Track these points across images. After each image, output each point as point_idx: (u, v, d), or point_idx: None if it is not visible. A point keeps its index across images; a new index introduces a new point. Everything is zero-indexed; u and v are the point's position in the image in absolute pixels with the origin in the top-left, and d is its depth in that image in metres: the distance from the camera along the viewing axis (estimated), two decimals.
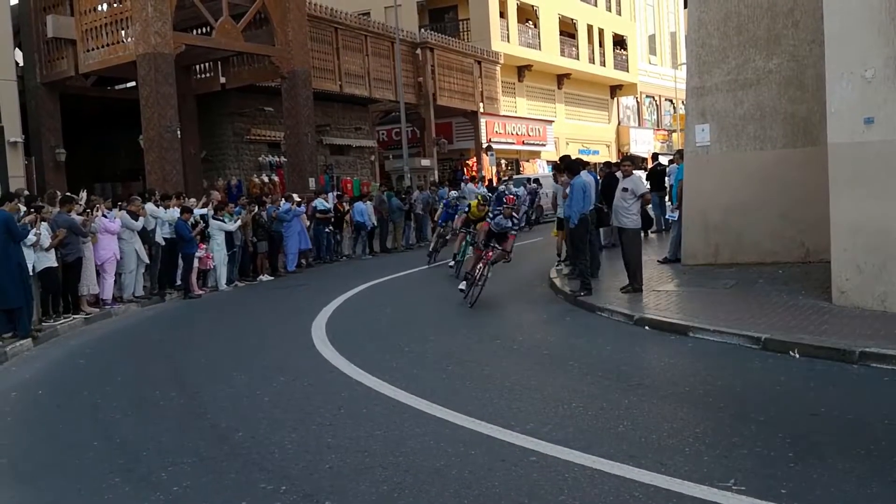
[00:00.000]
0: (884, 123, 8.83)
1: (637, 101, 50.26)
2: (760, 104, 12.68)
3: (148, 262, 13.86)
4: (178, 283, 14.60)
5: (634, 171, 12.04)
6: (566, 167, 12.46)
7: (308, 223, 18.19)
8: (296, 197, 18.28)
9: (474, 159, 34.42)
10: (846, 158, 9.13)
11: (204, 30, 22.58)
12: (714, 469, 4.74)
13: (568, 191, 11.80)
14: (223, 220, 15.21)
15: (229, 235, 15.35)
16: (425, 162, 31.11)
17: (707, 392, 6.55)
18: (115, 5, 20.41)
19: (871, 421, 5.55)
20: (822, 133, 9.84)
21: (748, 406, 6.05)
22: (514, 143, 36.87)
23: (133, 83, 21.78)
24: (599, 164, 21.78)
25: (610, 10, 46.30)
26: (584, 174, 12.15)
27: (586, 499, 4.42)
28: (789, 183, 12.26)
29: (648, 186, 16.98)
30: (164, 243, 14.07)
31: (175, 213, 14.18)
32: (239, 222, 15.52)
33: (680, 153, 15.93)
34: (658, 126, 52.05)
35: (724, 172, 12.88)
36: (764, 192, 12.50)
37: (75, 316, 12.02)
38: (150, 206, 14.02)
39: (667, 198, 18.15)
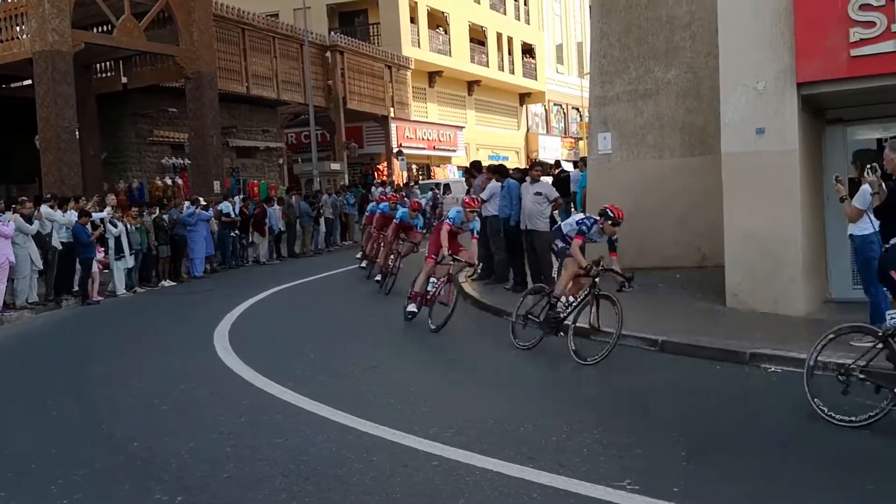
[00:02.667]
0: (774, 134, 9.22)
1: (545, 109, 51.09)
2: (659, 114, 13.08)
3: (42, 267, 13.32)
4: (76, 288, 14.10)
5: (543, 177, 12.33)
6: (496, 170, 12.91)
7: (215, 228, 17.82)
8: (202, 200, 17.90)
9: (385, 164, 34.37)
10: (739, 167, 9.50)
11: (105, 28, 21.91)
12: (610, 469, 4.85)
13: (487, 193, 12.37)
14: (113, 226, 14.71)
15: (118, 241, 14.82)
16: (335, 166, 30.89)
17: (605, 394, 6.72)
18: (9, 0, 19.61)
19: (759, 420, 5.79)
20: (718, 142, 10.22)
21: (644, 407, 6.23)
22: (425, 149, 36.98)
23: (29, 81, 20.95)
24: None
25: (519, 19, 46.94)
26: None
27: (486, 501, 4.47)
28: (687, 190, 12.66)
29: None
30: (61, 247, 13.55)
31: (72, 216, 13.68)
32: (120, 226, 14.93)
33: (583, 160, 16.29)
34: (565, 133, 53.00)
35: (626, 180, 13.21)
36: (663, 199, 12.87)
37: None
38: (45, 209, 13.49)
39: (572, 204, 18.48)
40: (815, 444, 5.26)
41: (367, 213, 17.39)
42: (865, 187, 7.25)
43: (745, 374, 7.17)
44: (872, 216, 7.23)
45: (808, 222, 9.41)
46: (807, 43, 8.89)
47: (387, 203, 15.35)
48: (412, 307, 10.03)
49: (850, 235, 7.73)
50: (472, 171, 14.49)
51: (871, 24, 8.48)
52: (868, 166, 7.04)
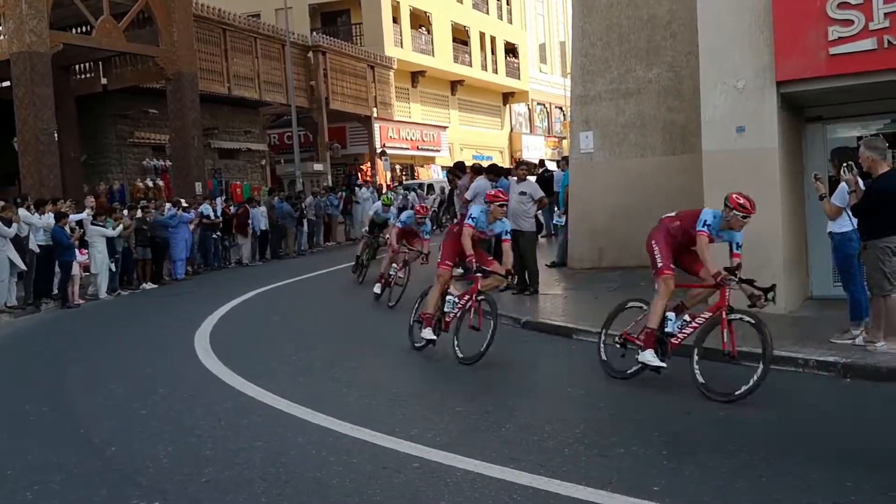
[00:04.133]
0: (754, 132, 9.24)
1: (529, 109, 51.13)
2: (641, 113, 13.10)
3: (24, 268, 13.20)
4: (56, 292, 13.96)
5: (528, 177, 12.35)
6: (490, 170, 12.85)
7: (192, 227, 17.67)
8: (183, 202, 17.79)
9: (368, 164, 34.29)
10: (719, 165, 9.50)
11: (84, 29, 21.75)
12: (591, 469, 4.84)
13: (471, 192, 12.26)
14: (103, 226, 14.64)
15: (111, 242, 14.78)
16: (318, 166, 30.80)
17: (588, 393, 6.71)
18: None
19: (740, 418, 5.78)
20: (699, 141, 10.24)
21: (626, 406, 6.23)
22: (408, 149, 36.94)
23: (7, 83, 20.76)
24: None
25: (501, 19, 46.98)
26: (481, 179, 12.52)
27: (466, 503, 4.44)
28: (669, 189, 12.66)
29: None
30: (38, 250, 13.42)
31: (50, 219, 13.55)
32: (120, 228, 14.96)
33: (566, 159, 16.30)
34: (549, 133, 53.09)
35: (608, 179, 13.24)
36: (645, 197, 12.88)
37: None
38: (22, 212, 13.36)
39: (554, 203, 18.52)
40: (795, 441, 5.26)
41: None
42: (843, 185, 7.29)
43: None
44: (851, 214, 7.28)
45: (789, 220, 9.44)
46: (785, 41, 8.92)
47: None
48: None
49: (830, 233, 7.76)
50: (457, 171, 14.50)
51: (850, 22, 8.51)
52: (844, 165, 7.08)
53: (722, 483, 4.57)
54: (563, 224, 14.57)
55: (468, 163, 15.66)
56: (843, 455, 4.98)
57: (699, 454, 5.09)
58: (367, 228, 14.95)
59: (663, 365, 6.57)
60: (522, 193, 11.59)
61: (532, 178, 14.45)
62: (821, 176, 7.80)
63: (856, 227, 7.25)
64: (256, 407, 6.62)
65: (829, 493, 4.37)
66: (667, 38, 12.90)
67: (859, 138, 9.04)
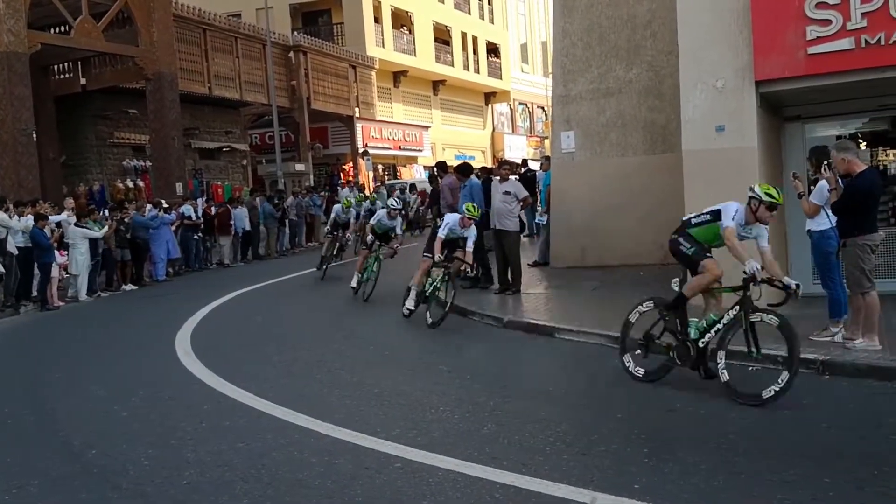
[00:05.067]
0: (734, 131, 9.30)
1: (510, 108, 51.17)
2: (622, 112, 13.16)
3: (3, 270, 13.07)
4: (35, 294, 13.84)
5: (511, 176, 12.38)
6: (458, 170, 12.84)
7: (173, 228, 17.56)
8: (164, 203, 17.69)
9: (351, 164, 34.21)
10: (699, 164, 9.56)
11: (62, 28, 21.58)
12: (573, 467, 4.85)
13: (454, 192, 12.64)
14: (87, 227, 14.54)
15: (94, 243, 14.68)
16: (300, 167, 30.70)
17: (569, 392, 6.73)
18: None
19: (721, 415, 5.82)
20: (679, 140, 10.29)
21: (608, 404, 6.25)
22: (390, 149, 36.88)
23: None
24: (475, 169, 22.06)
25: (483, 19, 46.98)
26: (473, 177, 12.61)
27: (448, 502, 4.44)
28: (649, 188, 12.75)
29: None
30: (17, 252, 13.29)
31: (29, 221, 13.43)
32: (106, 229, 14.87)
33: (547, 159, 16.34)
34: (531, 132, 53.16)
35: (589, 178, 13.28)
36: (626, 196, 12.96)
37: None
38: (1, 215, 13.22)
39: (537, 202, 18.55)
40: (775, 438, 5.30)
41: None
42: (822, 183, 7.35)
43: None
44: (829, 212, 7.34)
45: None
46: (764, 41, 8.98)
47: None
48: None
49: (808, 231, 7.83)
50: (439, 171, 14.51)
51: (828, 22, 8.58)
52: (825, 163, 7.13)
53: (701, 480, 4.59)
54: (545, 223, 14.60)
55: (452, 163, 15.71)
56: (821, 451, 5.02)
57: (679, 452, 5.11)
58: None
59: None
60: (507, 193, 11.60)
61: (514, 178, 14.51)
62: (799, 174, 7.86)
63: (834, 225, 7.32)
64: (238, 409, 6.59)
65: (807, 488, 4.41)
66: (647, 37, 12.97)
67: (838, 137, 9.14)
